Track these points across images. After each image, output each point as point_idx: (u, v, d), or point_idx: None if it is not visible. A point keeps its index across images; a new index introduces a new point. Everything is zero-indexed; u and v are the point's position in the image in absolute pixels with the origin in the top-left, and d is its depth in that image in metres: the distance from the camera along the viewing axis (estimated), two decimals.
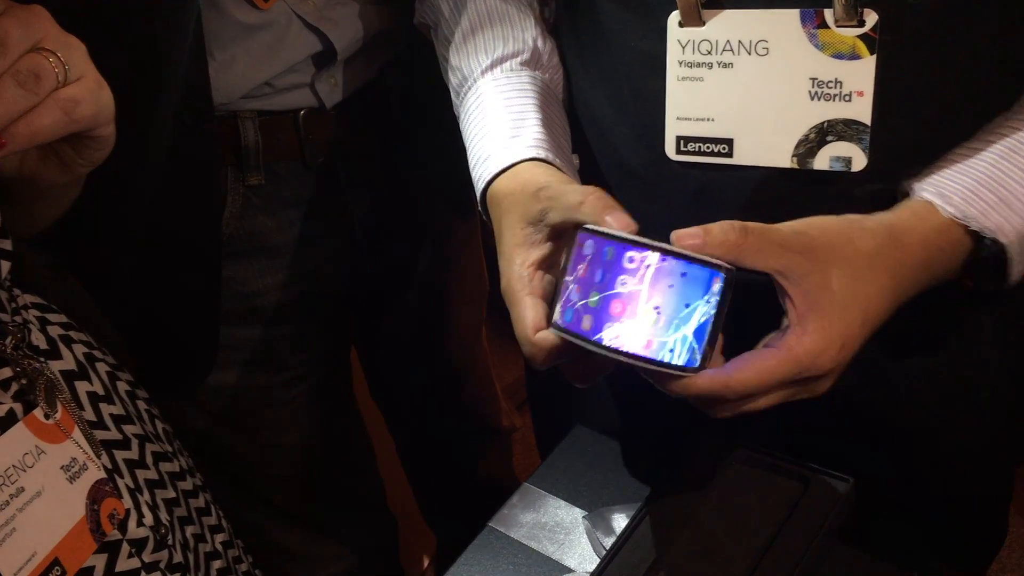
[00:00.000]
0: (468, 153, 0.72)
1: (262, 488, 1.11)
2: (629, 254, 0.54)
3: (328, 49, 0.91)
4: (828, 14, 0.60)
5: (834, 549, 0.67)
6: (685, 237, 0.54)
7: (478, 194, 0.70)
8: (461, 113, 0.76)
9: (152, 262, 0.89)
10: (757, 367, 0.54)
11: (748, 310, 0.60)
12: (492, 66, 0.74)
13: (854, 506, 0.68)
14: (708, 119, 0.66)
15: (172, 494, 0.70)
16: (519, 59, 0.74)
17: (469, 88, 0.75)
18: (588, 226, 0.57)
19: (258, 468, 1.09)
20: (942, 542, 0.79)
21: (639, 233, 0.55)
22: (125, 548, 0.61)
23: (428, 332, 1.22)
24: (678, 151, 0.67)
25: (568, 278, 0.57)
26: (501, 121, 0.70)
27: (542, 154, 0.67)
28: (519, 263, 0.61)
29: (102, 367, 0.69)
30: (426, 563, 1.69)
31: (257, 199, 0.95)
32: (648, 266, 0.53)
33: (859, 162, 0.62)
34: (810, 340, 0.54)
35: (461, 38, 0.76)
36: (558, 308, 0.58)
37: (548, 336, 0.58)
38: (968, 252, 0.60)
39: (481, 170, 0.69)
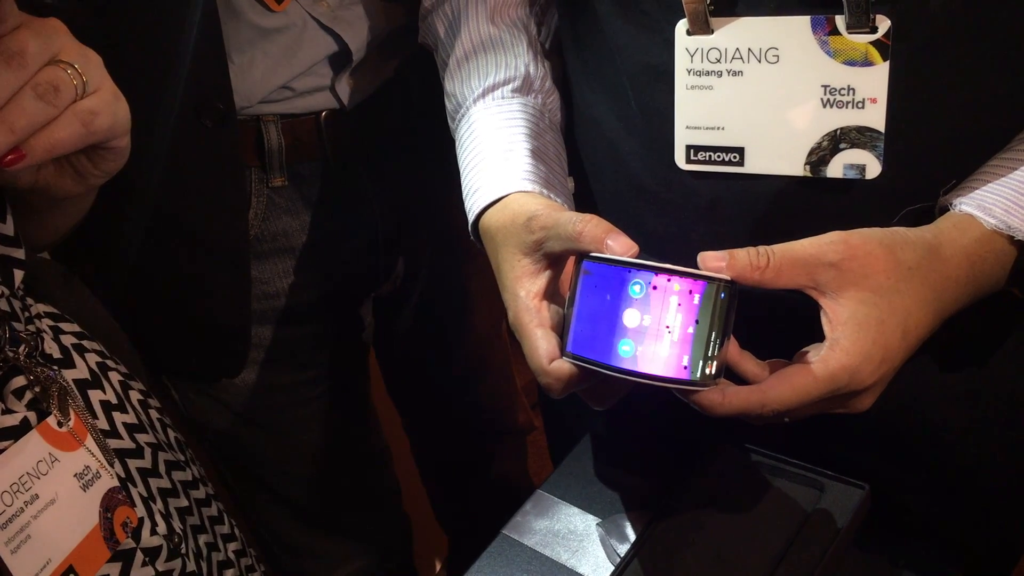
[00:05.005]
0: (462, 182, 0.73)
1: (279, 486, 1.12)
2: (634, 277, 0.55)
3: (344, 50, 0.92)
4: (839, 20, 0.59)
5: (850, 557, 0.66)
6: (710, 259, 0.55)
7: (470, 224, 0.71)
8: (456, 140, 0.77)
9: (180, 264, 0.90)
10: (794, 384, 0.54)
11: (776, 325, 0.60)
12: (484, 94, 0.75)
13: (870, 513, 0.68)
14: (718, 128, 0.65)
15: (185, 503, 0.71)
16: (510, 86, 0.75)
17: (462, 116, 0.76)
18: (592, 254, 0.57)
19: (276, 466, 1.10)
20: (959, 551, 0.78)
21: (641, 255, 0.56)
22: (139, 556, 0.61)
23: (446, 329, 1.22)
24: (688, 160, 0.67)
25: (576, 306, 0.58)
26: (491, 152, 0.71)
27: (529, 186, 0.67)
28: (524, 295, 0.62)
29: (115, 376, 0.70)
30: (438, 567, 1.69)
31: (281, 200, 0.96)
32: (654, 287, 0.54)
33: (873, 169, 0.62)
34: (847, 356, 0.54)
35: (455, 64, 0.77)
36: (569, 336, 0.58)
37: (563, 365, 0.58)
38: (1013, 262, 0.59)
39: (471, 202, 0.70)
